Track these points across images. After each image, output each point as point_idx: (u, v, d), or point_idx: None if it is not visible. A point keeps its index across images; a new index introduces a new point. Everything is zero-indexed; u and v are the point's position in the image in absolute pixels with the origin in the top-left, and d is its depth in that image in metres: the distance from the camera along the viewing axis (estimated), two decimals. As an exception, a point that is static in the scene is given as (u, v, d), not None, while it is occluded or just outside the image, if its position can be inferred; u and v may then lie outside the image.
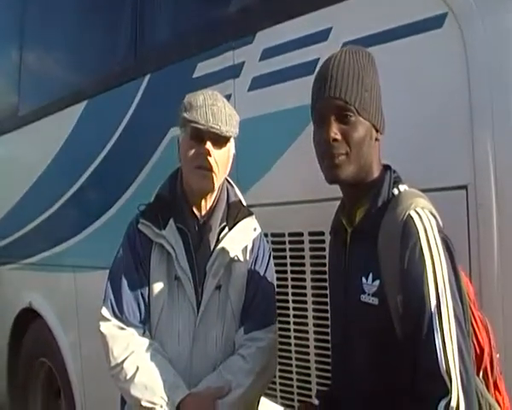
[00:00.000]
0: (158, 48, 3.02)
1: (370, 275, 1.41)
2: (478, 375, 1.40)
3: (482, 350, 1.41)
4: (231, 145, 1.89)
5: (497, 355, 1.46)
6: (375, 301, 1.39)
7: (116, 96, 3.22)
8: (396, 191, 1.45)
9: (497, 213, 1.69)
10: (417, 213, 1.36)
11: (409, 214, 1.35)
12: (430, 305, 1.29)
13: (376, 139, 1.47)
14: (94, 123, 3.43)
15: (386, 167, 1.51)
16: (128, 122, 3.11)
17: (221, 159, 1.84)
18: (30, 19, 4.22)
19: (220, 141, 1.82)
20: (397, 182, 1.47)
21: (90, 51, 3.57)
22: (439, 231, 1.35)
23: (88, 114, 3.46)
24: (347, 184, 1.48)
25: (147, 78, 2.98)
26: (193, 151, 1.81)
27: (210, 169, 1.82)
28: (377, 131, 1.47)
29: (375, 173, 1.48)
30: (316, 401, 1.71)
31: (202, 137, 1.80)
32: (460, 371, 1.25)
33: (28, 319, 4.10)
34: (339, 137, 1.43)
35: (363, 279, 1.42)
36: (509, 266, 1.67)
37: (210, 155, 1.80)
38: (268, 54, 2.35)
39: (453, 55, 1.80)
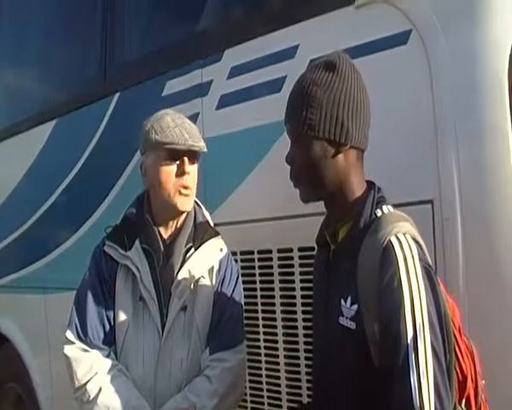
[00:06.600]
0: (127, 66, 3.01)
1: (349, 298, 1.36)
2: (460, 403, 1.36)
3: (465, 378, 1.37)
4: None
5: (483, 381, 1.42)
6: (352, 325, 1.35)
7: (85, 115, 3.19)
8: (379, 212, 1.40)
9: (463, 228, 1.70)
10: (398, 239, 1.31)
11: (389, 240, 1.30)
12: (406, 339, 1.24)
13: (338, 153, 1.41)
14: (63, 143, 3.39)
15: (371, 185, 1.46)
16: (97, 142, 3.08)
17: (195, 176, 1.87)
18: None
19: (194, 158, 1.85)
20: (380, 202, 1.42)
21: (58, 70, 3.55)
22: (421, 259, 1.31)
23: (57, 133, 3.43)
24: (325, 201, 1.48)
25: (116, 97, 2.96)
26: (173, 173, 1.82)
27: (191, 188, 1.84)
28: (339, 144, 1.40)
29: (357, 191, 1.43)
30: None
31: (179, 157, 1.81)
32: (435, 407, 1.21)
33: (-4, 343, 4.01)
34: (289, 160, 1.46)
35: (342, 301, 1.38)
36: (474, 280, 1.68)
37: (189, 174, 1.82)
38: (236, 72, 2.35)
39: (417, 72, 1.83)
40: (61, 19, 3.64)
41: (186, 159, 1.82)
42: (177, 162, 1.82)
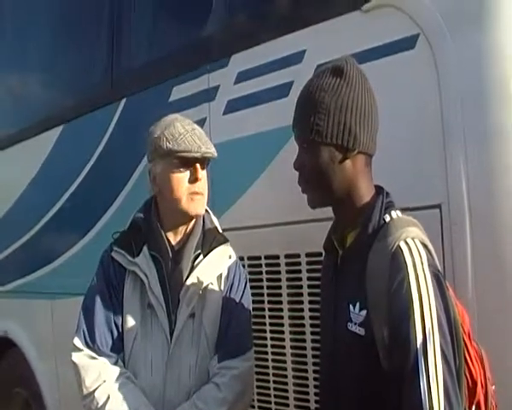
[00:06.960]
0: (134, 72, 3.02)
1: (358, 304, 1.35)
2: (470, 409, 1.36)
3: (475, 383, 1.36)
4: None
5: (493, 387, 1.41)
6: (361, 331, 1.34)
7: (91, 121, 3.21)
8: (388, 218, 1.39)
9: (471, 232, 1.69)
10: (407, 244, 1.31)
11: (398, 246, 1.30)
12: (416, 344, 1.23)
13: (346, 158, 1.40)
14: (69, 149, 3.41)
15: (380, 190, 1.46)
16: (103, 148, 3.09)
17: (206, 181, 1.87)
18: (4, 44, 4.21)
19: (205, 163, 1.86)
20: (389, 207, 1.41)
21: (65, 76, 3.57)
22: (430, 264, 1.30)
23: (64, 139, 3.44)
24: (333, 207, 1.48)
25: (122, 102, 2.97)
26: (186, 180, 1.82)
27: (203, 193, 1.85)
28: (347, 150, 1.40)
29: (365, 196, 1.43)
30: None
31: (191, 164, 1.81)
32: None
33: (3, 348, 4.01)
34: (297, 166, 1.46)
35: (351, 307, 1.37)
36: (482, 285, 1.67)
37: (201, 181, 1.83)
38: (243, 77, 2.35)
39: (425, 76, 1.83)
40: (68, 25, 3.66)
41: (198, 166, 1.82)
42: (190, 169, 1.82)
